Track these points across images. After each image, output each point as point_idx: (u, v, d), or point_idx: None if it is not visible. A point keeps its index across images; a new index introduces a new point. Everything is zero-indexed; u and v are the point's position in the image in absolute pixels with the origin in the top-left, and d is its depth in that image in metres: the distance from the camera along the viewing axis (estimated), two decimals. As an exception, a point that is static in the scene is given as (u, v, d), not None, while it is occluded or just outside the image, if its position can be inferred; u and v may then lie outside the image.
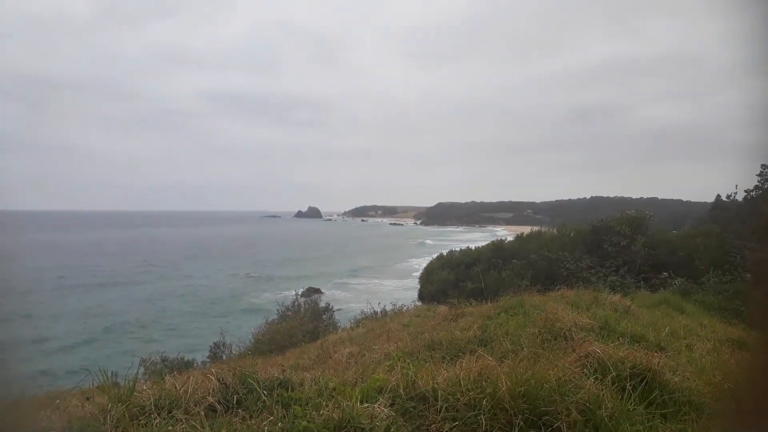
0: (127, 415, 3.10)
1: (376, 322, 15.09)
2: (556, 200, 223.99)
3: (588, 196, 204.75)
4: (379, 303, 19.90)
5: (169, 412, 3.21)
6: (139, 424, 3.04)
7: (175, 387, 3.49)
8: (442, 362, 4.71)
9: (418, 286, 29.82)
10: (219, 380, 3.50)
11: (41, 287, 54.17)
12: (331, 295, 48.91)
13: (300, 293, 32.92)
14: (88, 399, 3.59)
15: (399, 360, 4.59)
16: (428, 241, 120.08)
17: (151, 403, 3.27)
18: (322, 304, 23.34)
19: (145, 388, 3.54)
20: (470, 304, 9.97)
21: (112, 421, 3.05)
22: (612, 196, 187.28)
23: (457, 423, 3.21)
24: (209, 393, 3.43)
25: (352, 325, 17.11)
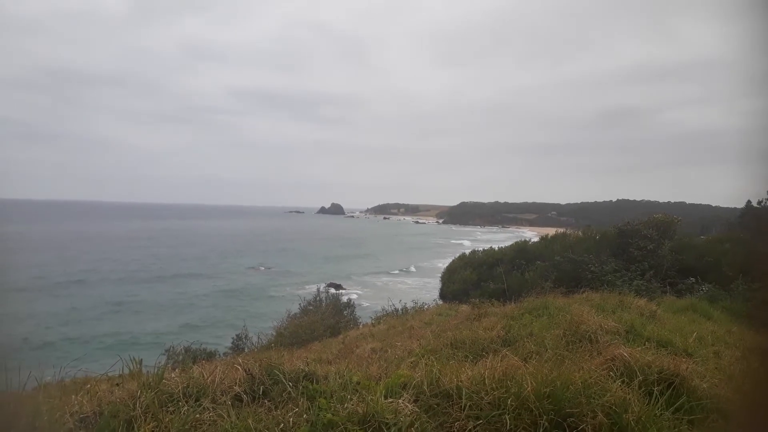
0: (156, 402, 3.16)
1: (397, 320, 15.12)
2: (582, 202, 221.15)
3: (614, 199, 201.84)
4: (401, 300, 19.92)
5: (197, 400, 3.26)
6: (167, 411, 3.09)
7: (203, 376, 3.54)
8: (466, 361, 4.71)
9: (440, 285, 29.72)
10: (246, 371, 3.55)
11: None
12: (352, 291, 49.06)
13: (321, 288, 33.01)
14: (117, 385, 3.67)
15: (423, 357, 4.59)
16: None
17: (179, 391, 3.32)
18: (344, 300, 23.44)
19: (173, 376, 3.61)
20: (493, 304, 9.93)
21: (141, 407, 3.11)
22: (639, 199, 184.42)
23: (481, 421, 3.21)
24: (236, 383, 3.48)
25: (374, 321, 17.15)
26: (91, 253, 78.06)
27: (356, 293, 47.46)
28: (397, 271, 72.68)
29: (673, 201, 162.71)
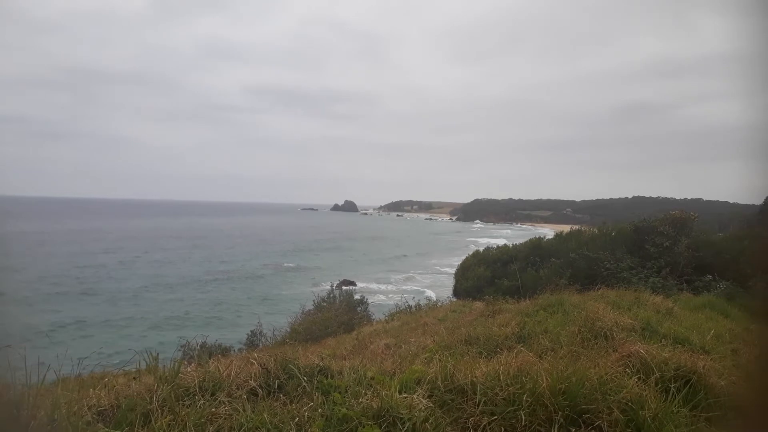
0: (172, 395, 3.18)
1: (410, 316, 15.13)
2: (597, 199, 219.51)
3: (630, 196, 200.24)
4: (414, 297, 19.93)
5: (213, 394, 3.28)
6: (184, 405, 3.12)
7: (219, 370, 3.56)
8: (480, 357, 4.70)
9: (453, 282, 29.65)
10: (261, 365, 3.56)
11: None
12: (364, 287, 49.01)
13: (335, 285, 33.06)
14: (134, 379, 3.71)
15: (437, 353, 4.59)
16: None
17: (195, 385, 3.35)
18: (357, 297, 23.50)
19: (189, 370, 3.63)
20: (507, 301, 9.90)
21: (158, 401, 3.14)
22: (654, 196, 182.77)
23: (495, 417, 3.20)
24: (251, 377, 3.50)
25: (387, 317, 17.17)
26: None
27: (368, 289, 47.28)
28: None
29: (689, 197, 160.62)
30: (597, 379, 3.52)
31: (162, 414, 3.00)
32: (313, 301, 21.96)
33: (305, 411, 3.09)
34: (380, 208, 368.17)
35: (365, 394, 3.28)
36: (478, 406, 3.31)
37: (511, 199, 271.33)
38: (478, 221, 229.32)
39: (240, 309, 43.37)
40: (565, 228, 29.57)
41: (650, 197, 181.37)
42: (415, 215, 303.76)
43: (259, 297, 49.36)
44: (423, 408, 3.17)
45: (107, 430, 2.87)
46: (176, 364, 3.60)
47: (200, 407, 3.07)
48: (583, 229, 27.38)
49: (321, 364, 3.77)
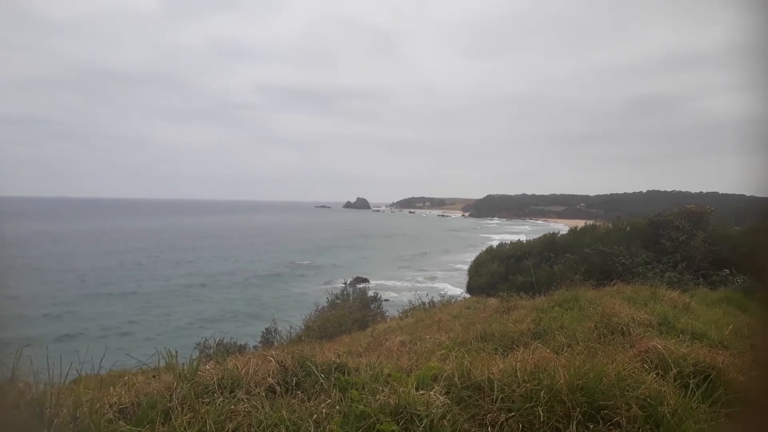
0: (192, 393, 3.22)
1: (424, 313, 15.12)
2: (611, 194, 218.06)
3: (644, 190, 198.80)
4: (427, 294, 19.94)
5: (231, 391, 3.32)
6: (203, 402, 3.15)
7: (237, 368, 3.60)
8: (496, 353, 4.69)
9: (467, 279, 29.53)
10: (279, 363, 3.59)
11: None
12: (379, 284, 49.12)
13: (348, 282, 33.13)
14: (154, 377, 3.75)
15: (453, 349, 4.59)
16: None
17: (214, 383, 3.39)
18: (370, 294, 23.55)
19: (208, 368, 3.67)
20: (521, 297, 9.86)
21: (177, 398, 3.17)
22: (669, 189, 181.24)
23: (513, 414, 3.19)
24: (269, 375, 3.53)
25: (401, 314, 17.18)
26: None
27: (382, 286, 47.37)
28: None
29: (705, 191, 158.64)
30: (615, 374, 3.50)
31: (182, 411, 3.04)
32: (327, 298, 22.05)
33: (323, 408, 3.11)
34: (392, 205, 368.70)
35: (382, 390, 3.30)
36: (495, 402, 3.30)
37: (524, 194, 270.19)
38: (495, 217, 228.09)
39: (255, 307, 43.85)
40: (579, 223, 29.28)
41: (665, 191, 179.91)
42: (427, 212, 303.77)
43: (274, 295, 49.88)
44: (440, 404, 3.18)
45: (129, 427, 2.91)
46: (195, 362, 3.63)
47: (219, 405, 3.10)
48: (598, 224, 27.11)
49: (338, 361, 3.79)
